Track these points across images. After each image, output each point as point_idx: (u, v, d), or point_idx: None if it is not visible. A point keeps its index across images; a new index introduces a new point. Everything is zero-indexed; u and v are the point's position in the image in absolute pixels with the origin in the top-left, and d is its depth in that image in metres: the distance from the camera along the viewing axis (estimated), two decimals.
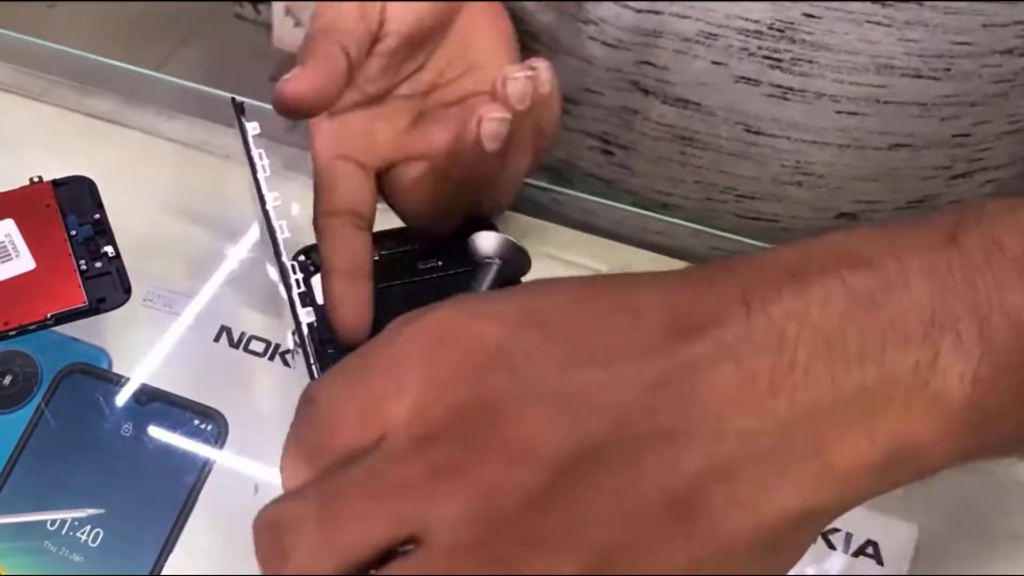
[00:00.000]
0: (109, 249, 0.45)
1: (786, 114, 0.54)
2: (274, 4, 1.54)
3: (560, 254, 0.55)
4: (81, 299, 0.44)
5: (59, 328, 0.45)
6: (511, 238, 0.41)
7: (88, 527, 0.45)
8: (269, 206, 0.39)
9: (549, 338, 0.29)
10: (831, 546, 0.44)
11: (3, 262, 0.44)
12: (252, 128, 0.42)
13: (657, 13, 0.53)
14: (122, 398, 0.48)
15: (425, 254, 0.46)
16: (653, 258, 0.57)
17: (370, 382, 0.30)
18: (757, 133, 0.56)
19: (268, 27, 1.68)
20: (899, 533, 0.45)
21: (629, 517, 0.28)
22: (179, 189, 0.56)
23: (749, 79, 0.54)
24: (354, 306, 0.42)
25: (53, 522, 0.45)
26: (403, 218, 0.48)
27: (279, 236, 0.39)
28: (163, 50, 1.74)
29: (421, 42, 0.47)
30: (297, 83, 0.42)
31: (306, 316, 0.38)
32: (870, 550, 0.44)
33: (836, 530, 0.45)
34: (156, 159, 0.58)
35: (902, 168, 0.57)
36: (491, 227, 0.46)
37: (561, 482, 0.28)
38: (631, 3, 0.53)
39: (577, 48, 0.56)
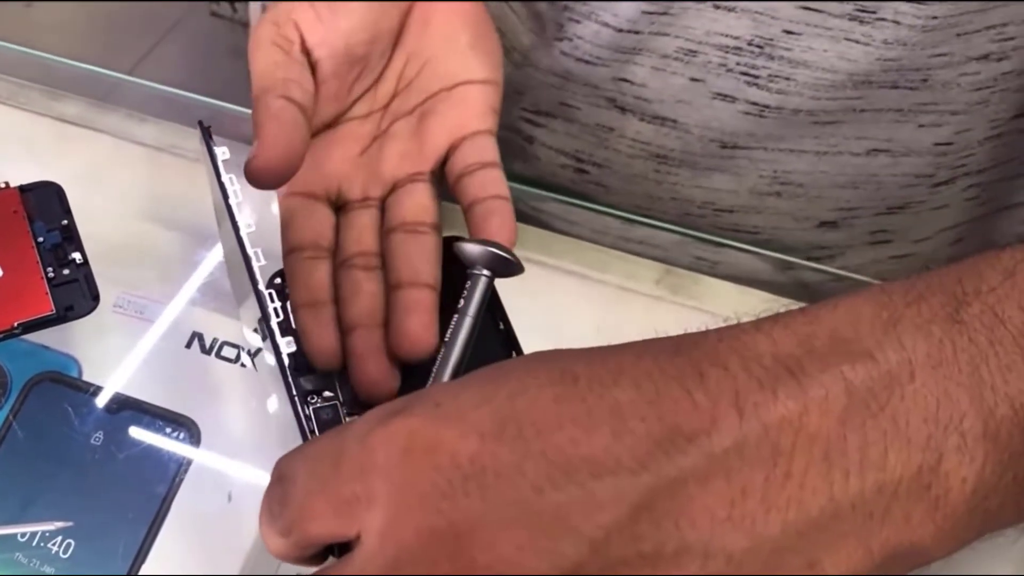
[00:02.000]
0: (77, 256, 0.45)
1: (762, 129, 0.54)
2: (251, 3, 1.53)
3: (540, 257, 0.55)
4: (48, 307, 0.43)
5: (28, 336, 0.44)
6: (495, 248, 0.38)
7: (59, 538, 0.45)
8: (243, 233, 0.37)
9: (525, 452, 0.27)
10: None
11: None
12: (221, 153, 0.40)
13: (636, 32, 0.53)
14: (93, 406, 0.48)
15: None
16: (632, 261, 0.57)
17: (341, 483, 0.29)
18: (733, 147, 0.55)
19: (245, 25, 1.67)
20: None
21: None
22: (149, 193, 0.55)
23: (725, 95, 0.53)
24: (317, 335, 0.41)
25: (24, 533, 0.45)
26: None
27: (255, 265, 0.37)
28: (140, 49, 1.73)
29: (366, 54, 0.46)
30: (260, 157, 0.40)
31: (286, 346, 0.36)
32: None
33: None
34: (126, 163, 0.57)
35: (882, 175, 0.56)
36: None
37: None
38: (620, 9, 0.52)
39: (552, 64, 0.56)
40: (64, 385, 0.48)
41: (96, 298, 0.44)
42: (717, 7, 0.51)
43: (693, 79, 0.53)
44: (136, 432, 0.47)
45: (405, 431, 0.29)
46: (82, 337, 0.49)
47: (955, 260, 0.62)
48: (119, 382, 0.48)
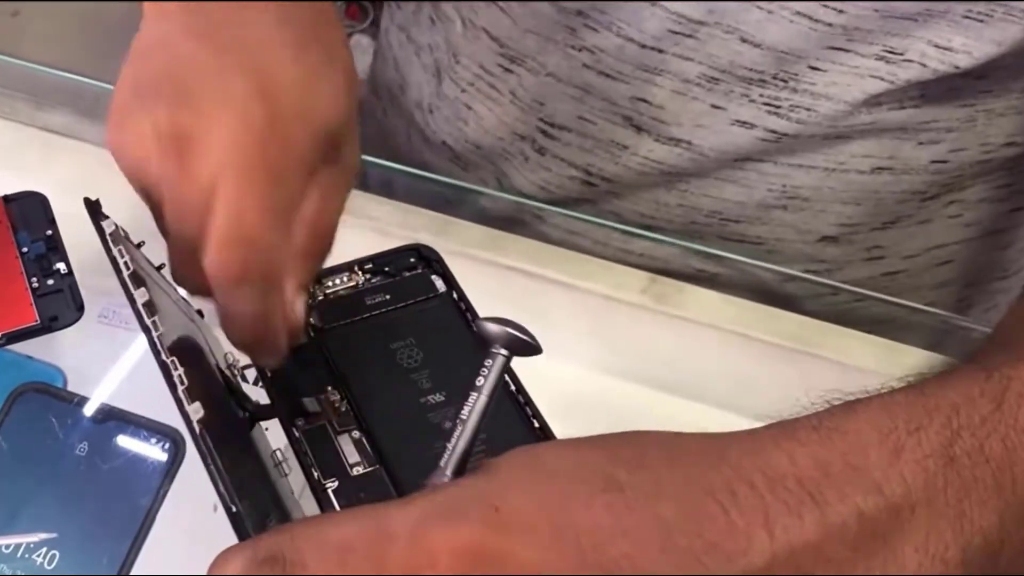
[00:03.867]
0: (61, 266, 0.45)
1: (776, 148, 0.55)
2: None
3: (524, 266, 0.55)
4: (32, 318, 0.44)
5: (12, 346, 0.44)
6: (517, 331, 0.37)
7: (44, 549, 0.44)
8: (139, 304, 0.36)
9: (583, 563, 0.29)
10: None
11: None
12: (108, 226, 0.39)
13: (660, 51, 0.53)
14: (78, 417, 0.47)
15: (371, 289, 0.45)
16: (618, 270, 0.57)
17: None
18: (745, 160, 0.56)
19: None
20: None
21: None
22: (134, 203, 0.55)
23: (744, 123, 0.54)
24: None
25: (8, 545, 0.44)
26: None
27: (154, 335, 0.35)
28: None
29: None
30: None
31: (195, 413, 0.33)
32: None
33: None
34: (111, 173, 0.56)
35: (883, 192, 0.58)
36: (436, 259, 0.45)
37: None
38: (645, 26, 0.53)
39: (572, 76, 0.56)
40: (49, 396, 0.48)
41: (81, 308, 0.44)
42: (744, 40, 0.51)
43: (714, 106, 0.54)
44: (121, 443, 0.47)
45: (468, 538, 0.29)
46: (67, 348, 0.49)
47: (942, 282, 0.64)
48: (104, 393, 0.48)
